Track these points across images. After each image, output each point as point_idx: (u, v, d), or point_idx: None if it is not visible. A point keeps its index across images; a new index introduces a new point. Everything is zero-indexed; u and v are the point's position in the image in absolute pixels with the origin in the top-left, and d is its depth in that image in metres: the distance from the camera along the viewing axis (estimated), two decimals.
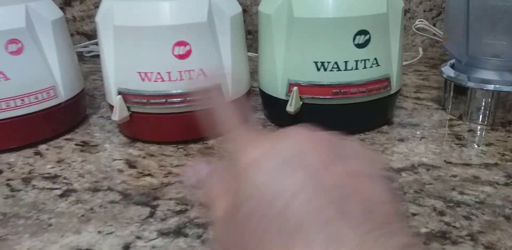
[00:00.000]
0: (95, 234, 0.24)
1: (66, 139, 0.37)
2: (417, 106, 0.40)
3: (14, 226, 0.25)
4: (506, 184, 0.27)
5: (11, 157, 0.34)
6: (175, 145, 0.35)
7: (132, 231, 0.25)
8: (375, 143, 0.33)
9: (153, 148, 0.35)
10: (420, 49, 0.54)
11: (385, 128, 0.36)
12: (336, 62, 0.32)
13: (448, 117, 0.37)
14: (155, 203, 0.27)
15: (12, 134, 0.35)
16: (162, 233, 0.24)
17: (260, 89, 0.38)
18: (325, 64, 0.32)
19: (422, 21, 0.53)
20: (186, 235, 0.24)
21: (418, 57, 0.53)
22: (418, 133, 0.35)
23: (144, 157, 0.33)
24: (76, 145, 0.36)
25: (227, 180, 0.21)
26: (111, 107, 0.36)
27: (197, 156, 0.33)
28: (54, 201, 0.28)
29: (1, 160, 0.34)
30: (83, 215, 0.26)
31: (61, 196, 0.28)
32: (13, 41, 0.33)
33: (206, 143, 0.35)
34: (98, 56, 0.38)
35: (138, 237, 0.24)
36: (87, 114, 0.41)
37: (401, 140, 0.34)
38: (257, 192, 0.18)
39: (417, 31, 0.53)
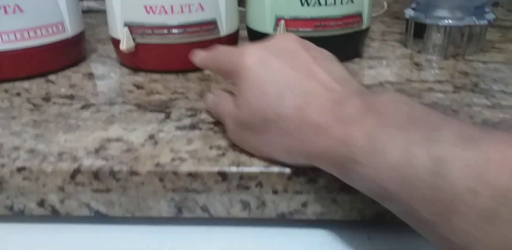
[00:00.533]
0: (121, 130, 0.29)
1: (73, 71, 0.40)
2: (383, 46, 0.46)
3: (47, 127, 0.29)
4: (454, 92, 0.34)
5: (24, 84, 0.37)
6: (175, 74, 0.39)
7: (153, 127, 0.29)
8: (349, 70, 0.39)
9: (156, 76, 0.39)
10: (385, 4, 0.60)
11: (356, 60, 0.42)
12: None
13: (409, 52, 0.44)
14: (168, 110, 0.32)
15: (24, 64, 0.38)
16: (179, 128, 0.29)
17: (248, 27, 0.43)
18: (308, 0, 0.38)
19: None
20: (200, 129, 0.29)
21: (383, 11, 0.59)
22: (384, 62, 0.41)
23: (149, 82, 0.37)
24: (84, 74, 0.39)
25: (232, 88, 0.27)
26: (115, 41, 0.40)
27: (196, 82, 0.38)
28: (77, 111, 0.32)
29: (15, 86, 0.37)
30: (106, 119, 0.30)
31: (82, 108, 0.32)
32: None
33: (203, 73, 0.39)
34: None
35: (160, 130, 0.29)
36: (85, 55, 0.45)
37: (370, 67, 0.40)
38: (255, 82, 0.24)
39: None
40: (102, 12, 0.68)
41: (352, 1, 0.39)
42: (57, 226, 0.27)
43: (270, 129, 0.23)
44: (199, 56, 0.29)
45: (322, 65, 0.24)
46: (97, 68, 0.41)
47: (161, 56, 0.39)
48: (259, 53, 0.24)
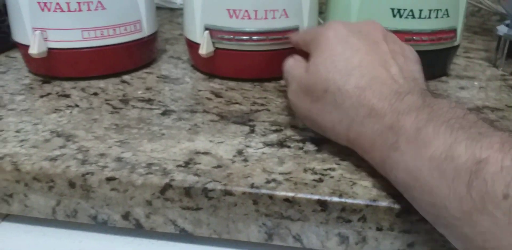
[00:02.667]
0: (207, 142, 0.27)
1: (146, 72, 0.39)
2: (469, 64, 0.43)
3: (130, 134, 0.28)
4: None
5: (100, 83, 0.37)
6: (251, 82, 0.37)
7: (240, 141, 0.28)
8: (438, 89, 0.36)
9: (232, 83, 0.37)
10: None
11: (444, 78, 0.39)
12: (411, 10, 0.35)
13: (500, 73, 0.40)
14: (251, 123, 0.30)
15: (100, 62, 0.37)
16: (267, 144, 0.27)
17: None
18: (401, 11, 0.35)
19: None
20: (289, 147, 0.27)
21: None
22: (476, 83, 0.38)
23: (226, 90, 0.36)
24: (158, 77, 0.38)
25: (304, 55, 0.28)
26: (191, 44, 0.38)
27: (275, 93, 0.36)
28: (158, 117, 0.31)
29: (91, 85, 0.36)
30: (190, 129, 0.29)
31: (163, 114, 0.31)
32: None
33: (279, 83, 0.38)
34: None
35: (247, 146, 0.27)
36: (157, 55, 0.44)
37: (462, 88, 0.37)
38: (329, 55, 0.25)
39: None
40: (165, 9, 0.68)
41: (448, 15, 0.36)
42: (138, 240, 0.25)
43: (327, 100, 0.24)
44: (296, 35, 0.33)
45: (397, 60, 0.25)
46: (170, 70, 0.40)
47: (239, 63, 0.37)
48: (343, 30, 0.26)
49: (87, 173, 0.24)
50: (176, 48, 0.47)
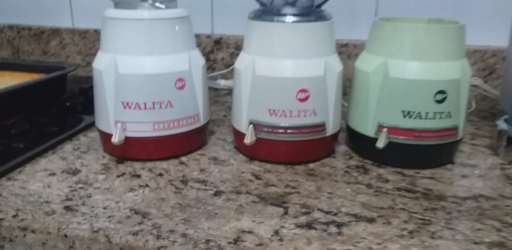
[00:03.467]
0: (250, 222, 0.35)
1: (199, 154, 0.48)
2: (474, 151, 0.49)
3: (191, 212, 0.36)
4: None
5: (163, 164, 0.45)
6: (284, 165, 0.45)
7: (276, 222, 0.35)
8: (443, 177, 0.43)
9: (268, 166, 0.45)
10: (474, 102, 0.64)
11: (449, 166, 0.46)
12: (419, 112, 0.43)
13: (500, 162, 0.47)
14: (285, 205, 0.37)
15: (165, 148, 0.46)
16: (298, 225, 0.34)
17: (349, 127, 0.49)
18: (411, 113, 0.43)
19: (476, 79, 0.64)
20: (315, 229, 0.34)
21: (472, 109, 0.63)
22: (476, 172, 0.44)
23: (264, 172, 0.44)
24: (209, 159, 0.47)
25: None
26: (236, 132, 0.47)
27: (304, 176, 0.43)
28: (211, 198, 0.39)
29: (157, 166, 0.45)
30: (236, 209, 0.37)
31: (215, 194, 0.39)
32: (180, 79, 0.45)
33: (308, 166, 0.45)
34: None
35: (282, 227, 0.34)
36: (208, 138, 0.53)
37: (464, 176, 0.43)
38: None
39: (471, 88, 0.63)
40: (210, 88, 0.78)
41: (450, 116, 0.43)
42: None
43: None
44: None
45: None
46: (218, 152, 0.49)
47: (276, 150, 0.46)
48: None
49: (162, 247, 0.31)
50: (222, 129, 0.56)
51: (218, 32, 0.76)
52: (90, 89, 0.66)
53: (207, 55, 0.77)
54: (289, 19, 0.43)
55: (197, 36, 0.75)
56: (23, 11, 0.84)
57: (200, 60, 0.48)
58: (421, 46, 0.42)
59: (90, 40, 0.81)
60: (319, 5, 0.45)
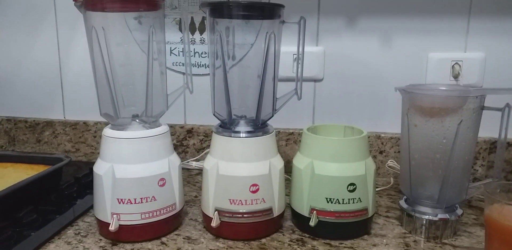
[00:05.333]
0: None
1: (176, 234, 0.61)
2: (386, 223, 0.65)
3: None
4: None
5: (148, 245, 0.58)
6: (242, 242, 0.59)
7: None
8: (360, 246, 0.58)
9: (230, 243, 0.59)
10: (392, 179, 0.81)
11: (365, 236, 0.61)
12: (337, 199, 0.59)
13: (403, 231, 0.62)
14: None
15: (149, 231, 0.59)
16: None
17: (292, 208, 0.64)
18: (332, 200, 0.59)
19: (392, 161, 0.81)
20: None
21: (390, 185, 0.80)
22: (384, 241, 0.60)
23: (227, 248, 0.58)
24: (183, 238, 0.60)
25: None
26: (205, 215, 0.61)
27: (256, 249, 0.57)
28: None
29: (143, 246, 0.58)
30: None
31: None
32: (162, 179, 0.59)
33: (261, 241, 0.59)
34: None
35: None
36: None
37: (374, 245, 0.58)
38: None
39: (388, 168, 0.81)
40: (183, 169, 0.91)
41: (360, 200, 0.60)
42: None
43: None
44: None
45: None
46: (191, 232, 0.62)
47: (236, 230, 0.60)
48: None
49: None
50: (194, 210, 0.70)
51: (190, 123, 0.93)
52: (84, 177, 0.79)
53: (181, 141, 0.92)
54: (243, 135, 0.59)
55: (172, 126, 0.91)
56: (19, 106, 0.98)
57: (177, 161, 0.63)
58: (336, 152, 0.59)
59: (80, 131, 0.95)
60: (264, 122, 0.62)
